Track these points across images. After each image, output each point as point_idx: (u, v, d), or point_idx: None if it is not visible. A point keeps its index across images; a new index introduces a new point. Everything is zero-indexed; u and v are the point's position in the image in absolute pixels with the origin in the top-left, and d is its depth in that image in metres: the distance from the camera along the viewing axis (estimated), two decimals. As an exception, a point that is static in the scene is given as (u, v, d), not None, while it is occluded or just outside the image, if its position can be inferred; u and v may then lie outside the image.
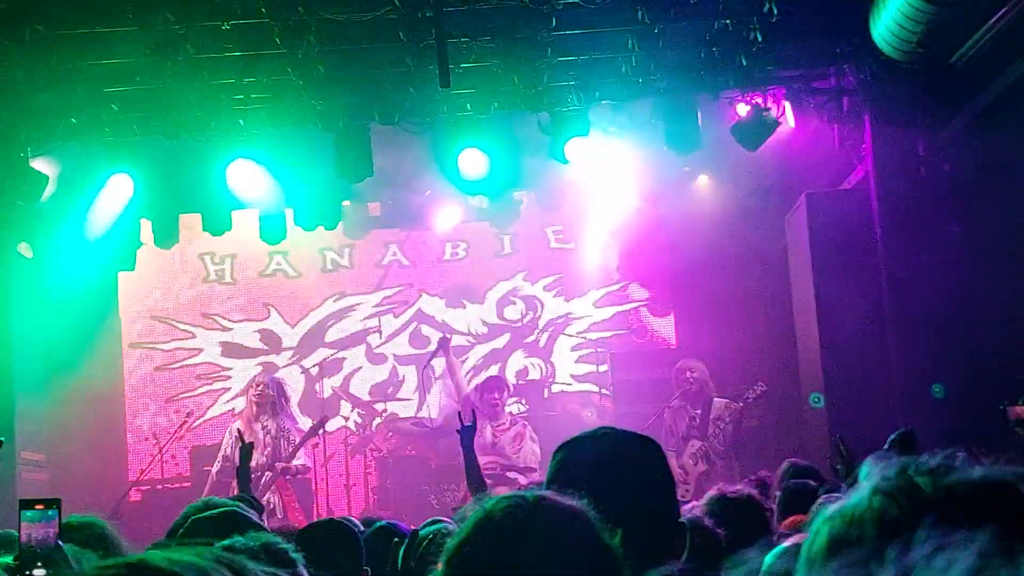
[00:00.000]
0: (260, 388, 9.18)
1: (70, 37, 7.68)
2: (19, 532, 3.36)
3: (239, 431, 7.98)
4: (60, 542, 3.59)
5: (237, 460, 6.04)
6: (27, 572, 3.02)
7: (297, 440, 9.15)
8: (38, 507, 3.38)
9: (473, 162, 9.36)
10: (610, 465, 2.17)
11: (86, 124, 8.83)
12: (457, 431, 5.74)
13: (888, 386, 8.53)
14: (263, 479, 8.91)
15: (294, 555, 2.48)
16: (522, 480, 8.49)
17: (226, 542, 2.36)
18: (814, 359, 9.27)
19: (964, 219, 8.50)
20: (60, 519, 3.67)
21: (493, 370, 11.18)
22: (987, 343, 8.18)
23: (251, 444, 6.18)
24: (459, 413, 6.01)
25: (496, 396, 9.35)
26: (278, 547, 2.51)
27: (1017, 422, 5.55)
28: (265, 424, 9.10)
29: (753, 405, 9.45)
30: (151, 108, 8.71)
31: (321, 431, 9.63)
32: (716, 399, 9.38)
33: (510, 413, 9.62)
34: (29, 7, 7.19)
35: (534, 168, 9.78)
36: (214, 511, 3.15)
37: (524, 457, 9.16)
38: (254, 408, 9.14)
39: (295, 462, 9.14)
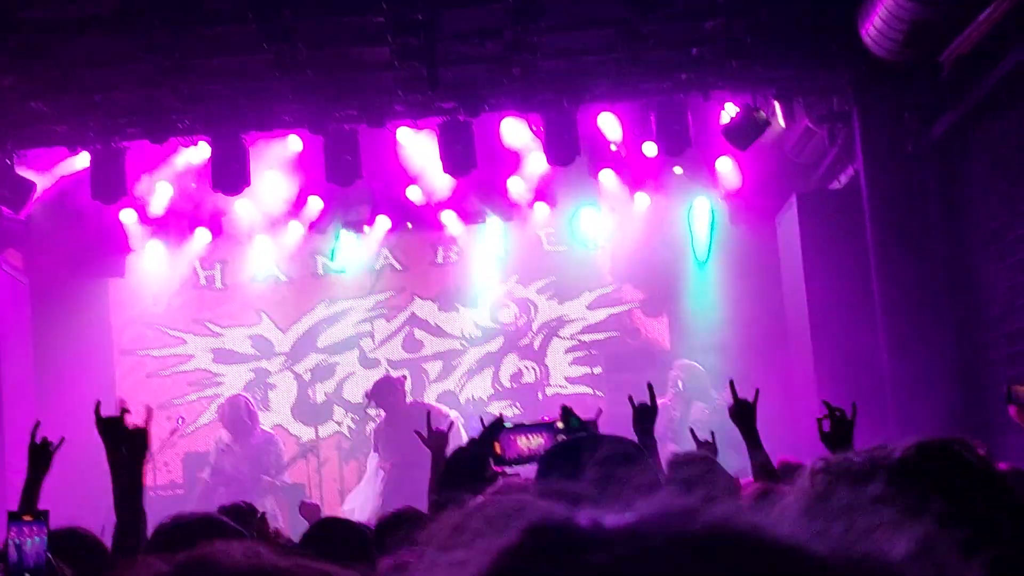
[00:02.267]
0: (221, 412, 10.09)
1: (57, 43, 7.66)
2: (7, 545, 3.27)
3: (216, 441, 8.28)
4: (49, 554, 3.51)
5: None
6: None
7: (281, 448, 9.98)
8: (26, 518, 3.31)
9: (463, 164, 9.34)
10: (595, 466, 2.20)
11: (74, 130, 8.81)
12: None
13: (880, 386, 8.52)
14: (258, 487, 9.53)
15: None
16: None
17: None
18: (806, 359, 9.26)
19: (954, 216, 8.50)
20: (48, 531, 3.59)
21: (479, 380, 11.25)
22: (980, 341, 8.17)
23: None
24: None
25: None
26: None
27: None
28: (241, 441, 9.81)
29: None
30: (139, 114, 8.69)
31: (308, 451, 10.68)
32: (696, 403, 9.31)
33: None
34: (14, 13, 7.16)
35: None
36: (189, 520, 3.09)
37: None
38: (225, 430, 9.92)
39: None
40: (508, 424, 4.13)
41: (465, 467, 3.64)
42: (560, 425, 4.04)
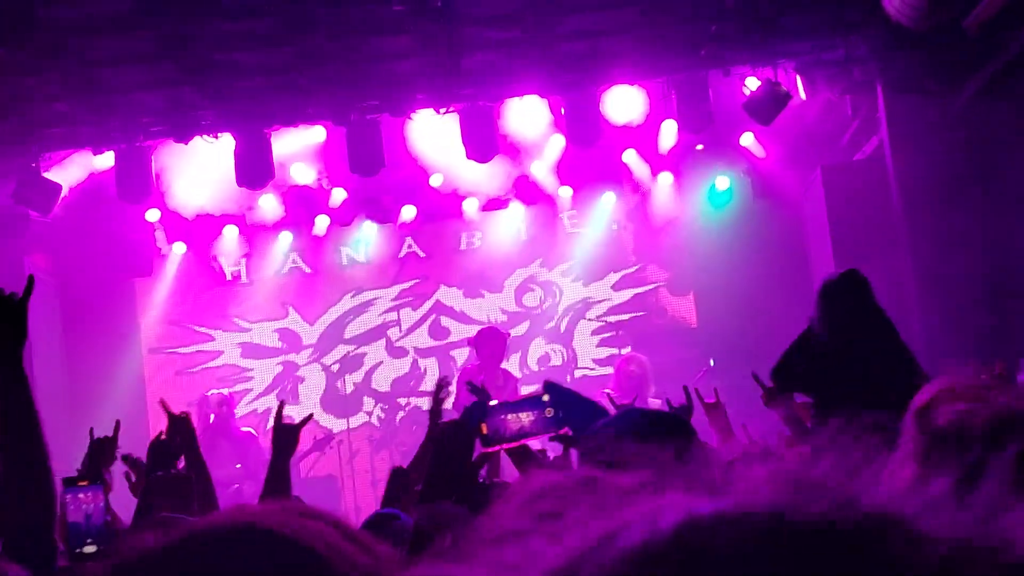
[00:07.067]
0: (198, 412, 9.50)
1: (77, 43, 7.67)
2: (65, 510, 3.23)
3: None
4: (108, 517, 3.49)
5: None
6: (77, 550, 2.93)
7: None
8: (82, 483, 3.29)
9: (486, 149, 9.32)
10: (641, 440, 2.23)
11: (98, 131, 8.83)
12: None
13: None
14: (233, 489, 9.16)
15: None
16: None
17: None
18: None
19: (981, 184, 8.45)
20: (106, 495, 3.57)
21: (507, 365, 11.13)
22: (1013, 307, 8.13)
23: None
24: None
25: (500, 350, 9.15)
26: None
27: None
28: (228, 439, 9.42)
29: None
30: (162, 112, 8.70)
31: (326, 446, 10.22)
32: (652, 399, 9.21)
33: (505, 370, 9.31)
34: (35, 12, 7.16)
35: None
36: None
37: None
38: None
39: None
40: (493, 403, 4.05)
41: (453, 451, 3.56)
42: (546, 398, 3.96)
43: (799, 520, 0.59)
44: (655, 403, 9.01)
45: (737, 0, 8.20)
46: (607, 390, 9.15)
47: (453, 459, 3.49)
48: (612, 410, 4.40)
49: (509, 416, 3.89)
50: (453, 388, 10.14)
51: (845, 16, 8.56)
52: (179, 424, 4.15)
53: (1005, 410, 1.48)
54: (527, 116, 9.81)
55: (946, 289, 8.35)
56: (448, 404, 4.89)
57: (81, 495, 3.11)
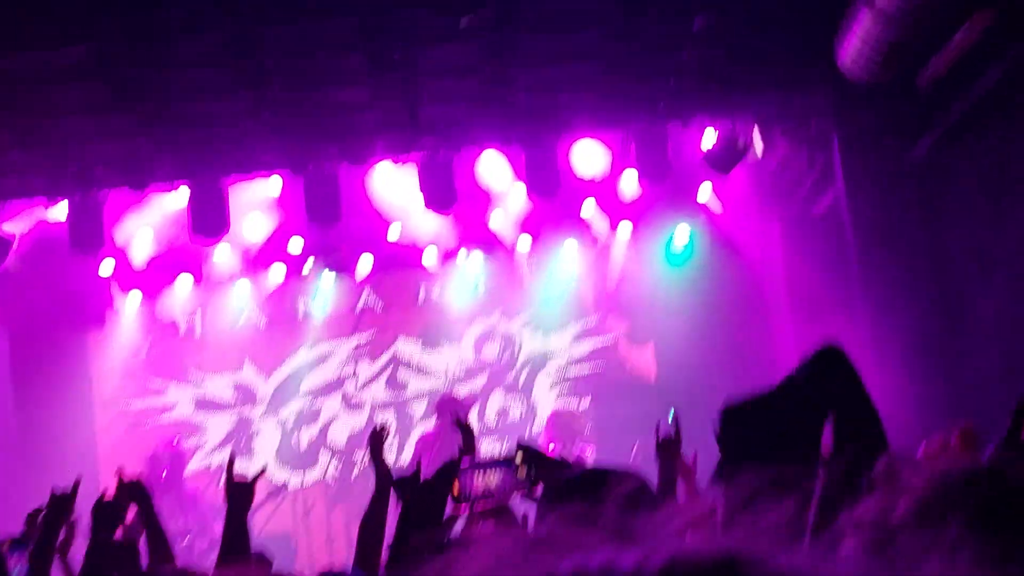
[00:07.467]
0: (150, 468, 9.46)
1: (31, 94, 7.58)
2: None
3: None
4: None
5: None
6: None
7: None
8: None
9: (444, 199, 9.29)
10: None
11: (51, 181, 8.71)
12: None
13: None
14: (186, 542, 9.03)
15: None
16: None
17: None
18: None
19: (938, 236, 8.52)
20: (28, 555, 3.50)
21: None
22: (969, 362, 8.16)
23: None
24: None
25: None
26: None
27: None
28: (178, 494, 9.38)
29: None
30: (117, 162, 8.60)
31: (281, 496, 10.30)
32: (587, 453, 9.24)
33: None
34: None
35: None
36: None
37: None
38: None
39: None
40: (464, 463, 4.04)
41: (423, 508, 3.54)
42: (519, 461, 3.96)
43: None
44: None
45: (695, 56, 8.27)
46: (551, 444, 9.11)
47: (424, 519, 3.44)
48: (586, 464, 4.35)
49: (480, 475, 3.88)
50: (392, 440, 10.03)
51: (802, 71, 8.65)
52: (133, 491, 4.03)
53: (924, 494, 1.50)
54: (490, 165, 9.80)
55: (901, 341, 8.37)
56: (388, 453, 4.64)
57: (16, 555, 3.06)
